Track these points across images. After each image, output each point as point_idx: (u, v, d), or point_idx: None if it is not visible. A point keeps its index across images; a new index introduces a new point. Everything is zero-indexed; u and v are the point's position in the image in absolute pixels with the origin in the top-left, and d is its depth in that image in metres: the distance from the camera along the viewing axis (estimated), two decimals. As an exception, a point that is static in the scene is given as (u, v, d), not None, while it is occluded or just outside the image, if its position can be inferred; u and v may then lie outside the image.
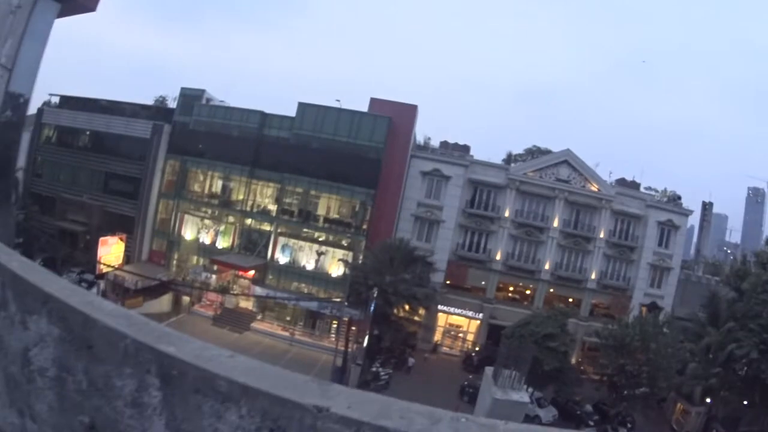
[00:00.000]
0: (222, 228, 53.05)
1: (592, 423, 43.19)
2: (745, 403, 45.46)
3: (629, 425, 43.57)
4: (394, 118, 49.38)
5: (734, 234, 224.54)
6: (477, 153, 53.90)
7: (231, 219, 52.85)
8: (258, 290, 50.72)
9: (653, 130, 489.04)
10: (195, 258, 53.40)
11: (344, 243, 50.14)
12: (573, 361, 47.92)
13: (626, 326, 45.22)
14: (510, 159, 58.80)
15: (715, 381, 43.87)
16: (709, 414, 46.77)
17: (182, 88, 55.66)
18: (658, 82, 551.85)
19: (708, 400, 46.14)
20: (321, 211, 50.78)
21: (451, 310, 50.97)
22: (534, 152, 58.96)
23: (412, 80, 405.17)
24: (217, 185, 53.76)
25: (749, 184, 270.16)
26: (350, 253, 49.27)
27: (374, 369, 43.27)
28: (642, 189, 54.73)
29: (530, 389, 36.34)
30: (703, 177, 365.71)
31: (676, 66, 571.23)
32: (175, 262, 53.93)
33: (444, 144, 54.74)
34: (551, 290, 51.76)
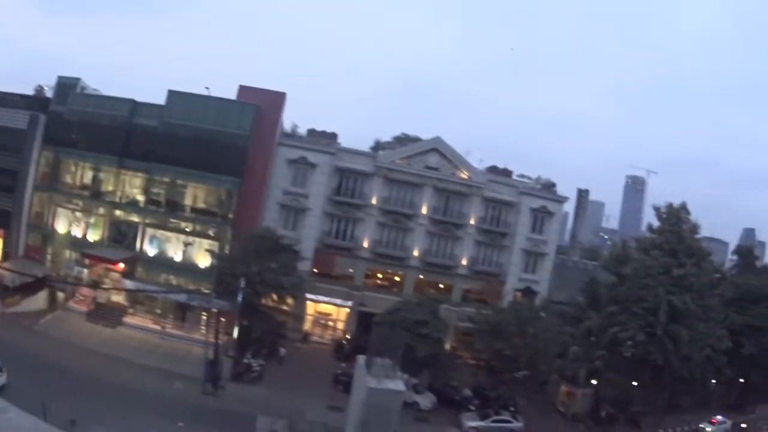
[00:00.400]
0: (93, 220, 51.82)
1: (472, 407, 43.19)
2: (636, 384, 46.49)
3: (512, 408, 43.66)
4: (262, 105, 48.65)
5: (611, 220, 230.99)
6: (348, 141, 53.60)
7: (101, 211, 51.61)
8: (128, 283, 49.39)
9: (535, 122, 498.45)
10: (68, 252, 52.13)
11: (211, 233, 49.21)
12: (447, 346, 47.96)
13: (501, 311, 45.52)
14: (378, 147, 58.29)
15: (599, 363, 44.49)
16: (597, 395, 47.33)
17: (59, 77, 54.24)
18: (539, 75, 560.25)
19: (593, 381, 46.47)
20: (188, 201, 49.77)
21: (320, 298, 50.56)
22: (403, 140, 58.66)
23: (286, 67, 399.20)
24: (88, 176, 52.40)
25: (628, 173, 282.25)
26: (217, 243, 48.40)
27: (246, 360, 42.42)
28: (515, 177, 54.98)
29: (406, 376, 36.03)
30: (583, 166, 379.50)
31: (558, 60, 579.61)
32: (49, 256, 52.60)
33: (312, 132, 53.99)
34: (421, 277, 51.61)
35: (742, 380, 55.94)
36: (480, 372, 46.99)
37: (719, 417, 52.13)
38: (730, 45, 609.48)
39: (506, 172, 54.15)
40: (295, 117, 60.08)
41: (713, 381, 52.63)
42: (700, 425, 50.43)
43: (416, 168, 50.79)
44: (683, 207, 50.38)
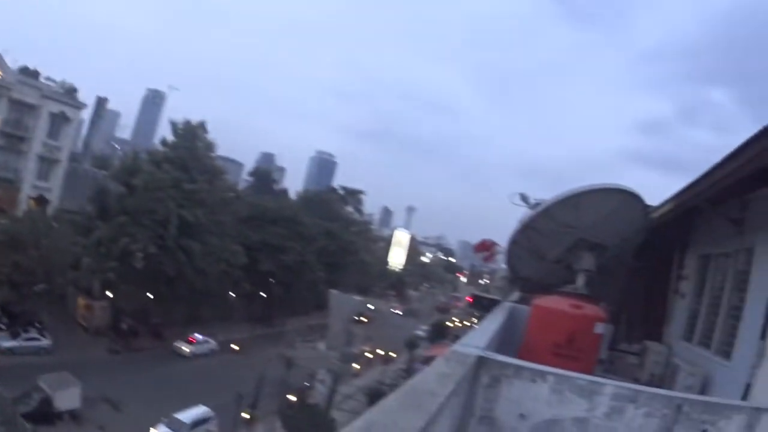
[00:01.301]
0: None
1: (2, 326, 40.53)
2: (153, 296, 47.30)
3: (39, 325, 42.02)
4: None
5: (126, 130, 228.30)
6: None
7: None
8: None
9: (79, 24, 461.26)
10: None
11: None
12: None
13: (17, 221, 42.95)
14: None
15: (112, 275, 44.38)
16: (115, 308, 47.23)
17: None
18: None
19: (110, 294, 46.22)
20: None
21: None
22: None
23: None
24: None
25: (150, 85, 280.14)
26: None
27: None
28: (44, 79, 51.98)
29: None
30: (105, 73, 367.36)
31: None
32: None
33: None
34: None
35: (264, 294, 59.46)
36: (2, 287, 41.79)
37: (198, 336, 51.40)
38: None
39: (36, 74, 50.51)
40: None
41: (233, 294, 55.50)
42: (175, 344, 49.54)
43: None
44: (201, 125, 52.72)
